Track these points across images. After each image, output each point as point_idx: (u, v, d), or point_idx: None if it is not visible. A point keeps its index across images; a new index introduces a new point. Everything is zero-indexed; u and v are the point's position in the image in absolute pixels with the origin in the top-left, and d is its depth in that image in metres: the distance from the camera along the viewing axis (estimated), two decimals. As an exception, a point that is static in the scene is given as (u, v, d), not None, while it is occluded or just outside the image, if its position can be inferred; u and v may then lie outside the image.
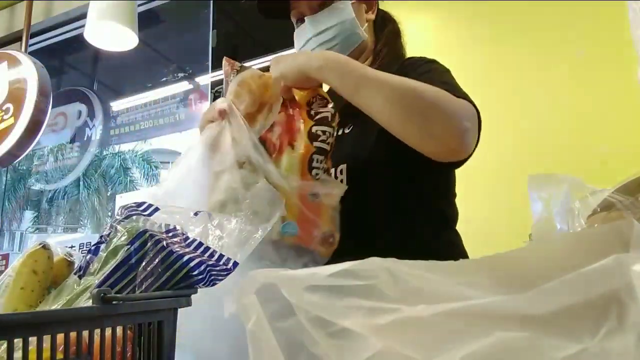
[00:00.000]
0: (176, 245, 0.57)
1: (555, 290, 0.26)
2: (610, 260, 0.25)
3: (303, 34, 1.02)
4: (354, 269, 0.32)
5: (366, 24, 1.05)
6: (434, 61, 0.98)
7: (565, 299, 0.26)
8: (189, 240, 0.60)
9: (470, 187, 1.69)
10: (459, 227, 0.95)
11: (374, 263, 0.32)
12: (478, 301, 0.28)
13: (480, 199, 1.63)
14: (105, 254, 0.58)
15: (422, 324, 0.29)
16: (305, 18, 1.02)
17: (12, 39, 2.82)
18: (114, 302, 0.44)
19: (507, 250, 0.31)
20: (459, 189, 0.99)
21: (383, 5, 1.11)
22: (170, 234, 0.60)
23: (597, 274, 0.25)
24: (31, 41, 2.75)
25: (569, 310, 0.26)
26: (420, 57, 1.01)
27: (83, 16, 2.37)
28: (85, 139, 3.76)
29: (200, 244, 0.59)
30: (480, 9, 1.88)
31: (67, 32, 3.18)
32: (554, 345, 0.26)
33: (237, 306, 0.36)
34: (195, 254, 0.57)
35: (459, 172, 0.94)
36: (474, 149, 0.83)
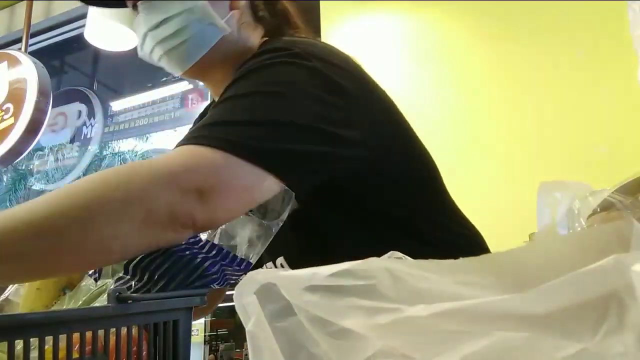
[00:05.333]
0: (191, 249, 0.57)
1: (555, 290, 0.26)
2: (610, 260, 0.25)
3: (138, 28, 0.75)
4: (354, 269, 0.32)
5: (232, 12, 0.76)
6: (251, 71, 0.65)
7: (565, 299, 0.26)
8: (201, 243, 0.60)
9: (471, 187, 1.69)
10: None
11: (373, 263, 0.32)
12: (478, 301, 0.28)
13: (481, 199, 1.63)
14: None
15: (422, 323, 0.29)
16: (138, 4, 0.75)
17: (12, 39, 2.82)
18: (129, 302, 0.44)
19: (507, 250, 0.31)
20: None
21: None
22: None
23: (597, 274, 0.25)
24: (31, 41, 2.75)
25: (569, 310, 0.26)
26: (253, 62, 0.67)
27: (83, 16, 2.37)
28: (85, 138, 3.76)
29: (213, 245, 0.59)
30: (479, 9, 1.88)
31: (67, 32, 3.18)
32: (554, 345, 0.26)
33: (237, 306, 0.36)
34: (210, 254, 0.57)
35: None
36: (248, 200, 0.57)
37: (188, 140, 0.57)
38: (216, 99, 0.85)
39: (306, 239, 0.68)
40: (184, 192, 0.52)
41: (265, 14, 0.82)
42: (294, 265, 0.72)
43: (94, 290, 0.57)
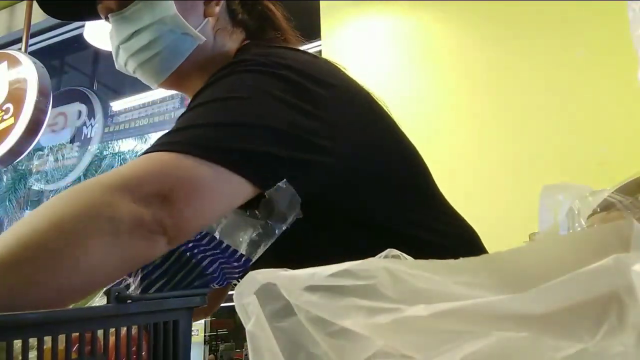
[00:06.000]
0: (190, 243, 0.57)
1: (555, 290, 0.26)
2: (610, 260, 0.25)
3: (111, 40, 0.74)
4: (354, 269, 0.32)
5: (206, 20, 0.74)
6: (214, 81, 0.64)
7: (565, 299, 0.26)
8: (202, 234, 0.60)
9: (472, 187, 1.69)
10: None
11: (373, 263, 0.32)
12: (478, 301, 0.28)
13: (481, 199, 1.63)
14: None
15: (422, 323, 0.29)
16: (110, 16, 0.73)
17: (12, 39, 2.82)
18: (128, 302, 0.44)
19: (507, 250, 0.31)
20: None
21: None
22: None
23: (597, 274, 0.25)
24: (31, 41, 2.75)
25: (569, 310, 0.26)
26: (221, 72, 0.65)
27: (83, 16, 2.37)
28: (85, 138, 3.76)
29: (213, 237, 0.59)
30: (480, 10, 1.88)
31: (67, 32, 3.18)
32: (554, 345, 0.26)
33: (237, 306, 0.36)
34: (208, 247, 0.57)
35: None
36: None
37: (148, 149, 0.57)
38: None
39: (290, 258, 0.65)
40: (145, 197, 0.50)
41: (244, 16, 0.80)
42: None
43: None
